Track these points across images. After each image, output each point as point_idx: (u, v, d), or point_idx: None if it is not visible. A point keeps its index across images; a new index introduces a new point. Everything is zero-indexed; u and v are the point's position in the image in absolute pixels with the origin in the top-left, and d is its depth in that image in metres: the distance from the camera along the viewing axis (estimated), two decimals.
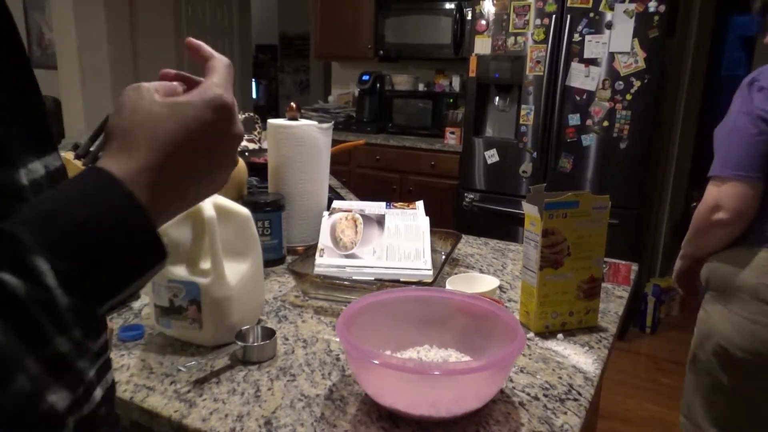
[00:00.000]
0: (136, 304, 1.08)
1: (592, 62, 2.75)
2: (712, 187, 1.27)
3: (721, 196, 1.24)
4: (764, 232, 1.26)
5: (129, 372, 0.86)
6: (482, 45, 3.02)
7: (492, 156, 3.12)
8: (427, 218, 1.25)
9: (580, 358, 0.94)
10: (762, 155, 1.20)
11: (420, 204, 1.31)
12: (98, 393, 0.45)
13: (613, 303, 1.16)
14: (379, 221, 1.21)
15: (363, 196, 1.77)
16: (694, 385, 1.39)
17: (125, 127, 0.43)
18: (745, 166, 1.21)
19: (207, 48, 0.51)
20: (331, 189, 1.70)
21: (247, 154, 1.74)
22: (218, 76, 0.48)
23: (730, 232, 1.27)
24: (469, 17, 3.27)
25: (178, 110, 0.44)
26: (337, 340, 0.97)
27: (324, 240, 1.18)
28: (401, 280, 1.11)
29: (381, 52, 3.76)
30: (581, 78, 2.79)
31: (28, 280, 0.33)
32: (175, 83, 0.48)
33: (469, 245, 1.51)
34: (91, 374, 0.40)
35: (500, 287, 1.20)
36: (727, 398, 1.33)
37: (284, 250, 1.31)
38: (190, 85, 0.50)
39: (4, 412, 0.31)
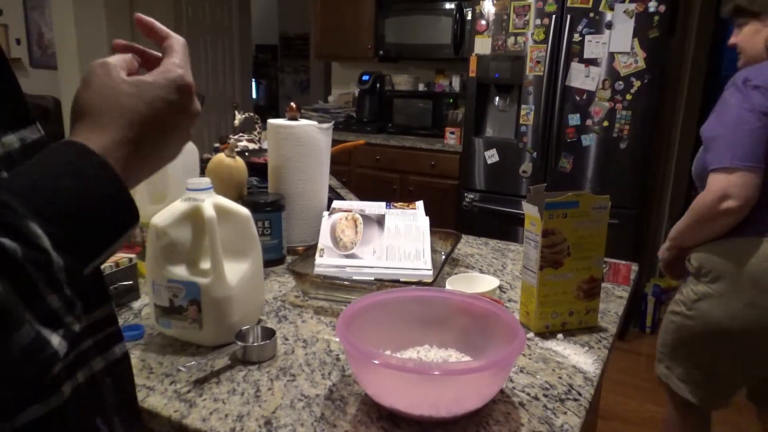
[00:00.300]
0: (136, 304, 1.08)
1: (592, 62, 2.75)
2: (719, 177, 1.32)
3: (730, 185, 1.30)
4: (766, 221, 1.34)
5: None
6: (482, 45, 3.02)
7: (492, 156, 3.12)
8: (427, 218, 1.25)
9: (580, 358, 0.94)
10: (765, 147, 1.30)
11: (420, 204, 1.31)
12: (99, 363, 0.45)
13: (613, 303, 1.16)
14: (379, 221, 1.21)
15: (363, 196, 1.77)
16: (672, 348, 1.52)
17: (95, 104, 0.46)
18: (752, 157, 1.29)
19: (161, 26, 0.53)
20: (331, 189, 1.70)
21: (247, 154, 1.74)
22: (178, 56, 0.51)
23: (735, 221, 1.34)
24: (469, 17, 3.27)
25: (144, 89, 0.47)
26: (337, 340, 0.97)
27: (324, 240, 1.18)
28: (401, 280, 1.11)
29: (381, 52, 3.76)
30: (581, 78, 2.79)
31: (26, 243, 0.36)
32: (129, 55, 0.52)
33: (469, 245, 1.51)
34: (83, 341, 0.43)
35: (500, 287, 1.20)
36: (705, 370, 1.48)
37: (284, 250, 1.31)
38: (145, 58, 0.53)
39: (8, 361, 0.34)
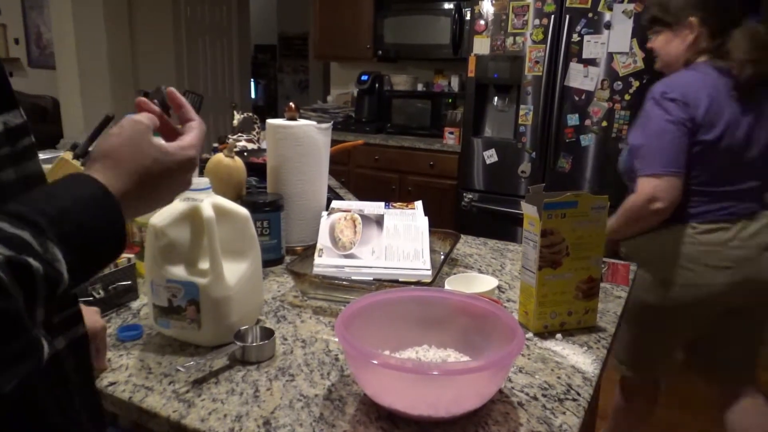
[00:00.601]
0: (135, 304, 1.08)
1: (591, 62, 2.75)
2: (647, 181, 1.48)
3: (657, 189, 1.47)
4: (684, 211, 1.52)
5: (127, 372, 0.86)
6: (481, 45, 3.02)
7: (491, 156, 3.12)
8: (426, 218, 1.25)
9: (579, 358, 0.94)
10: (685, 154, 1.47)
11: (419, 204, 1.31)
12: (61, 341, 0.50)
13: (611, 303, 1.16)
14: (378, 221, 1.21)
15: (362, 196, 1.77)
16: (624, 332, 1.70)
17: (124, 154, 0.54)
18: (676, 164, 1.46)
19: (189, 107, 0.64)
20: (330, 189, 1.70)
21: (246, 154, 1.74)
22: (196, 136, 0.62)
23: (662, 218, 1.51)
24: (468, 17, 3.27)
25: (165, 159, 0.57)
26: (336, 340, 0.97)
27: (323, 240, 1.18)
28: (400, 280, 1.11)
29: (380, 52, 3.76)
30: (580, 78, 2.79)
31: (47, 264, 0.41)
32: (155, 118, 0.61)
33: (467, 245, 1.51)
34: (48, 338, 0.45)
35: (499, 287, 1.20)
36: (635, 343, 1.70)
37: (283, 250, 1.31)
38: (163, 123, 0.63)
39: (10, 360, 0.39)
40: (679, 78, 1.52)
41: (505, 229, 3.02)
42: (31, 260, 0.40)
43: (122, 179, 0.52)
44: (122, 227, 0.50)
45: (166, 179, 0.57)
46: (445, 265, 1.24)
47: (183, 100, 0.64)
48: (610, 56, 2.71)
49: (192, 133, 0.62)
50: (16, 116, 0.50)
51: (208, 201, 0.91)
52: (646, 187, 1.48)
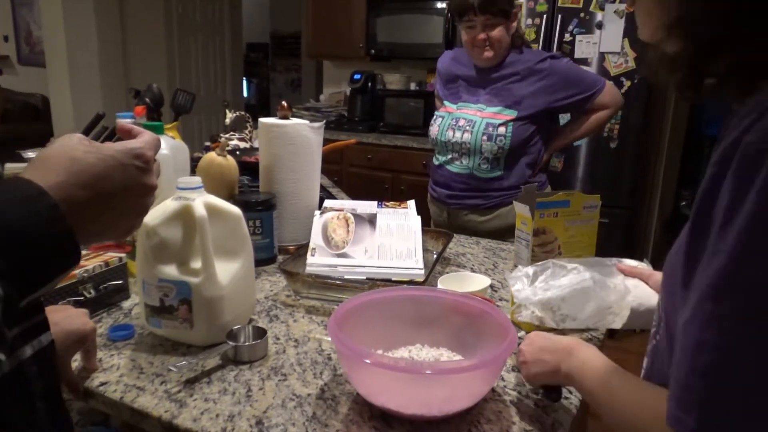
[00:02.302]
0: (126, 304, 1.08)
1: (583, 62, 2.76)
2: None
3: None
4: None
5: (119, 372, 0.85)
6: None
7: None
8: (419, 217, 1.25)
9: None
10: None
11: (411, 203, 1.31)
12: (27, 351, 0.48)
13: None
14: (371, 220, 1.21)
15: (355, 195, 1.77)
16: None
17: (49, 153, 0.50)
18: None
19: (137, 128, 0.60)
20: (323, 188, 1.70)
21: (238, 152, 1.73)
22: (144, 138, 0.57)
23: None
24: None
25: (100, 149, 0.52)
26: (329, 339, 0.96)
27: (315, 239, 1.18)
28: (393, 279, 1.11)
29: (373, 51, 3.76)
30: None
31: None
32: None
33: (460, 244, 1.51)
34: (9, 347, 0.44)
35: (491, 286, 1.20)
36: None
37: (276, 249, 1.31)
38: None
39: None
40: None
41: None
42: None
43: (51, 173, 0.47)
44: (66, 230, 0.46)
45: (113, 173, 0.52)
46: (437, 264, 1.24)
47: (131, 126, 0.61)
48: (602, 56, 2.72)
49: (139, 136, 0.58)
50: None
51: (200, 200, 0.91)
52: None
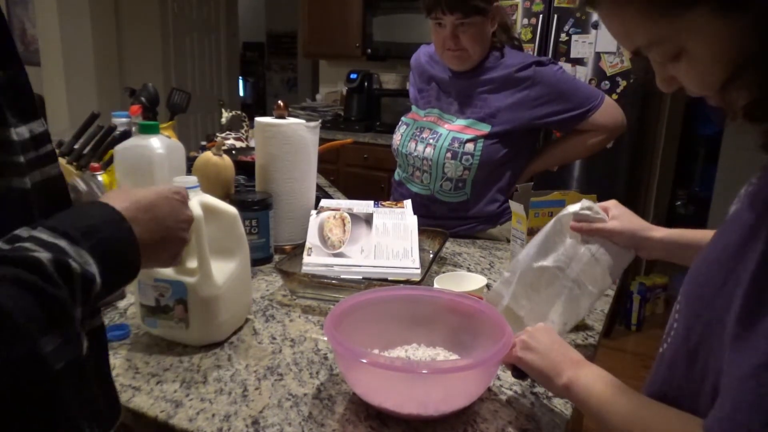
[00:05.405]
0: (122, 303, 1.07)
1: (579, 62, 2.77)
2: None
3: None
4: None
5: (114, 372, 0.85)
6: None
7: None
8: (415, 217, 1.25)
9: None
10: None
11: (408, 203, 1.31)
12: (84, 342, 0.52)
13: (599, 301, 1.17)
14: (367, 220, 1.21)
15: (351, 194, 1.77)
16: None
17: (106, 194, 0.61)
18: None
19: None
20: (319, 188, 1.70)
21: (234, 152, 1.73)
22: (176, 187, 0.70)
23: None
24: None
25: (149, 188, 0.64)
26: (325, 339, 0.96)
27: (312, 239, 1.18)
28: (389, 278, 1.11)
29: (369, 50, 3.75)
30: None
31: (83, 268, 0.48)
32: None
33: (456, 244, 1.52)
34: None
35: (488, 286, 1.20)
36: None
37: (272, 249, 1.31)
38: None
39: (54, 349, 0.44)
40: None
41: None
42: (71, 262, 0.47)
43: (119, 200, 0.58)
44: (137, 248, 0.56)
45: (158, 203, 0.62)
46: (434, 263, 1.24)
47: None
48: (598, 56, 2.73)
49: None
50: (40, 125, 0.57)
51: (196, 199, 0.91)
52: None
